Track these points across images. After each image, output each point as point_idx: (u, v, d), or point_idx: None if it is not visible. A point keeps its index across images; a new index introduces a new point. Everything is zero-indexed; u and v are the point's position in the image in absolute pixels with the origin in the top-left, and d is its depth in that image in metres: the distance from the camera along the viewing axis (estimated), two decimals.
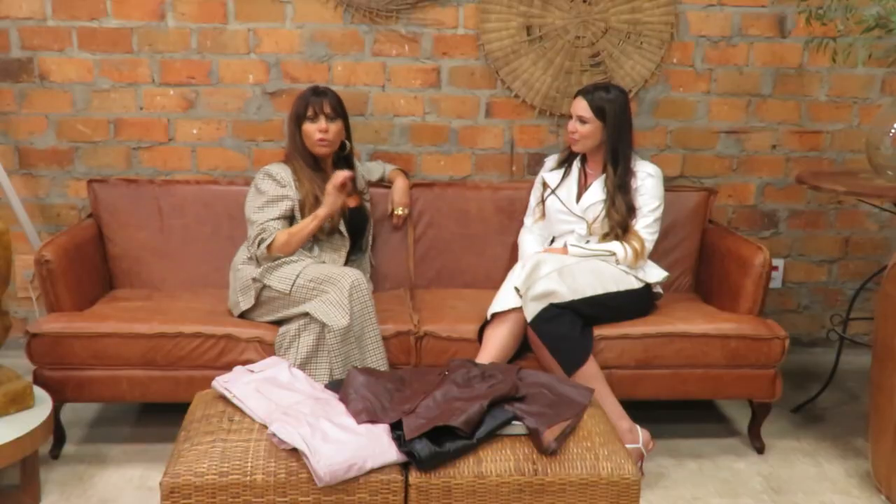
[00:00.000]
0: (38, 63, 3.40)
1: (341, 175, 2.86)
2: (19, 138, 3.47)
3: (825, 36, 3.16)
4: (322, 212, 2.89)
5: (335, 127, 3.00)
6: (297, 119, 3.00)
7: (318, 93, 3.01)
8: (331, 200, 2.87)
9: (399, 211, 3.29)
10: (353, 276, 2.76)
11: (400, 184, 3.33)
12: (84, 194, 3.41)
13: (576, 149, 3.08)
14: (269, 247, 2.87)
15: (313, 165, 3.02)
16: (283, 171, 2.98)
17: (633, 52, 3.50)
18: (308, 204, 2.94)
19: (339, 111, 3.03)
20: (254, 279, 2.87)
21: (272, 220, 2.90)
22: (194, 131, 3.50)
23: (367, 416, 2.20)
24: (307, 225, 2.89)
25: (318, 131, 2.97)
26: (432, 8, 3.43)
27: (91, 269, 3.12)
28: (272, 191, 2.94)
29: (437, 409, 2.22)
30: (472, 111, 3.55)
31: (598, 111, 2.98)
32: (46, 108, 3.44)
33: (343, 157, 3.11)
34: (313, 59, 3.45)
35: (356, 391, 2.29)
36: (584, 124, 3.01)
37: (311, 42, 3.44)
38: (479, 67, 3.50)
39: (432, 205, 3.38)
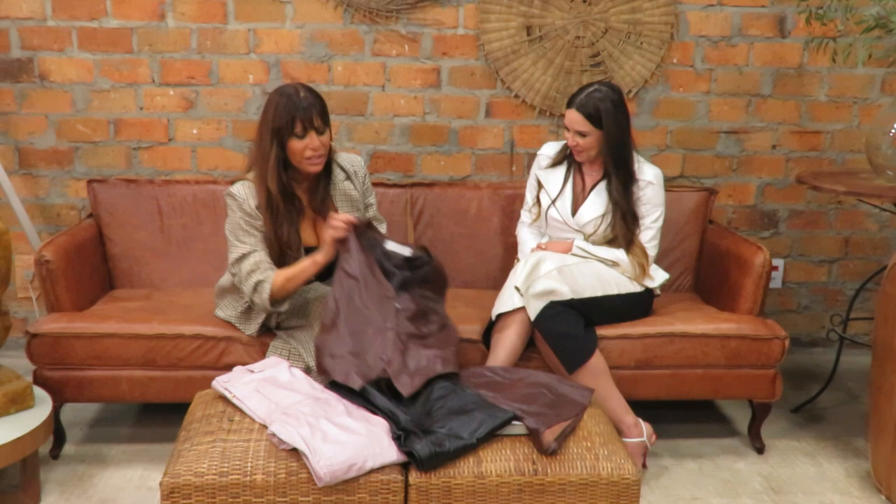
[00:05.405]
0: (38, 63, 3.40)
1: (341, 226, 2.53)
2: (19, 138, 3.47)
3: (825, 36, 3.16)
4: (321, 258, 2.58)
5: (326, 139, 2.63)
6: (279, 133, 2.58)
7: (302, 101, 2.57)
8: (330, 251, 2.56)
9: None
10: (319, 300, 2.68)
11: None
12: (84, 194, 3.41)
13: (581, 159, 2.98)
14: (270, 294, 2.58)
15: (287, 190, 2.64)
16: (250, 199, 2.63)
17: (633, 52, 3.50)
18: (279, 239, 2.64)
19: (327, 118, 2.64)
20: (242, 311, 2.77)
21: (256, 251, 2.61)
22: (194, 131, 3.50)
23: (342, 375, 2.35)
24: (306, 269, 2.59)
25: (309, 149, 2.59)
26: (432, 8, 3.43)
27: (91, 269, 3.12)
28: (242, 215, 2.64)
29: (409, 356, 2.41)
30: (472, 111, 3.55)
31: (594, 118, 2.85)
32: (46, 108, 3.45)
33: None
34: (313, 59, 3.45)
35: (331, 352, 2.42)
36: (584, 137, 2.89)
37: (311, 42, 3.44)
38: (479, 67, 3.50)
39: (432, 205, 3.38)
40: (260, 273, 2.60)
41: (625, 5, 3.44)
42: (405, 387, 2.32)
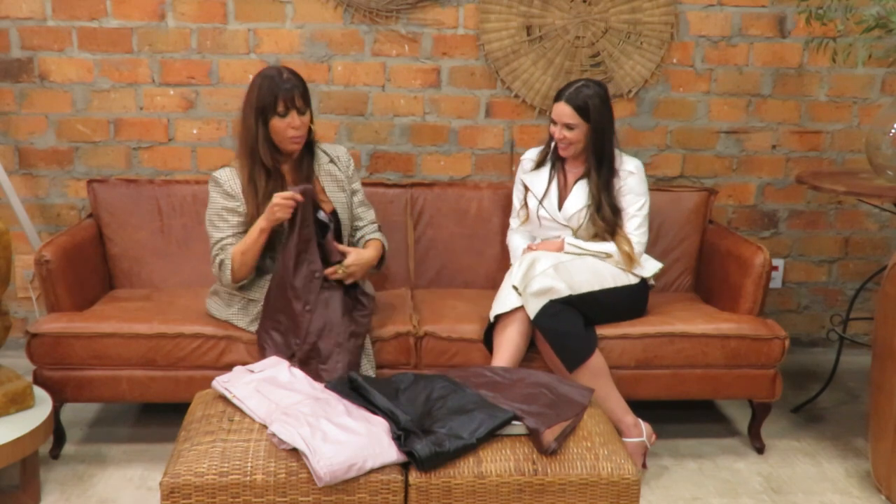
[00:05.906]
0: (38, 63, 3.40)
1: (289, 194, 2.60)
2: (19, 138, 3.47)
3: (825, 36, 3.16)
4: (266, 224, 2.64)
5: (306, 119, 2.73)
6: (262, 112, 2.68)
7: (285, 81, 2.68)
8: (276, 217, 2.62)
9: (340, 271, 2.72)
10: None
11: (366, 254, 2.83)
12: (84, 194, 3.41)
13: (566, 154, 3.01)
14: (231, 270, 2.70)
15: (272, 170, 2.74)
16: (232, 181, 2.75)
17: (633, 52, 3.50)
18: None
19: (308, 99, 2.74)
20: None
21: (226, 237, 2.73)
22: (194, 131, 3.50)
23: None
24: (255, 240, 2.66)
25: (291, 128, 2.69)
26: (432, 8, 3.43)
27: (91, 269, 3.12)
28: (221, 202, 2.75)
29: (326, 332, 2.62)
30: (472, 111, 3.55)
31: (583, 111, 2.90)
32: (46, 108, 3.45)
33: (305, 144, 2.80)
34: (313, 59, 3.45)
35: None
36: (571, 130, 2.93)
37: (311, 42, 3.44)
38: (479, 67, 3.50)
39: (432, 205, 3.38)
40: (223, 253, 2.74)
41: (625, 5, 3.44)
42: (325, 373, 2.56)
